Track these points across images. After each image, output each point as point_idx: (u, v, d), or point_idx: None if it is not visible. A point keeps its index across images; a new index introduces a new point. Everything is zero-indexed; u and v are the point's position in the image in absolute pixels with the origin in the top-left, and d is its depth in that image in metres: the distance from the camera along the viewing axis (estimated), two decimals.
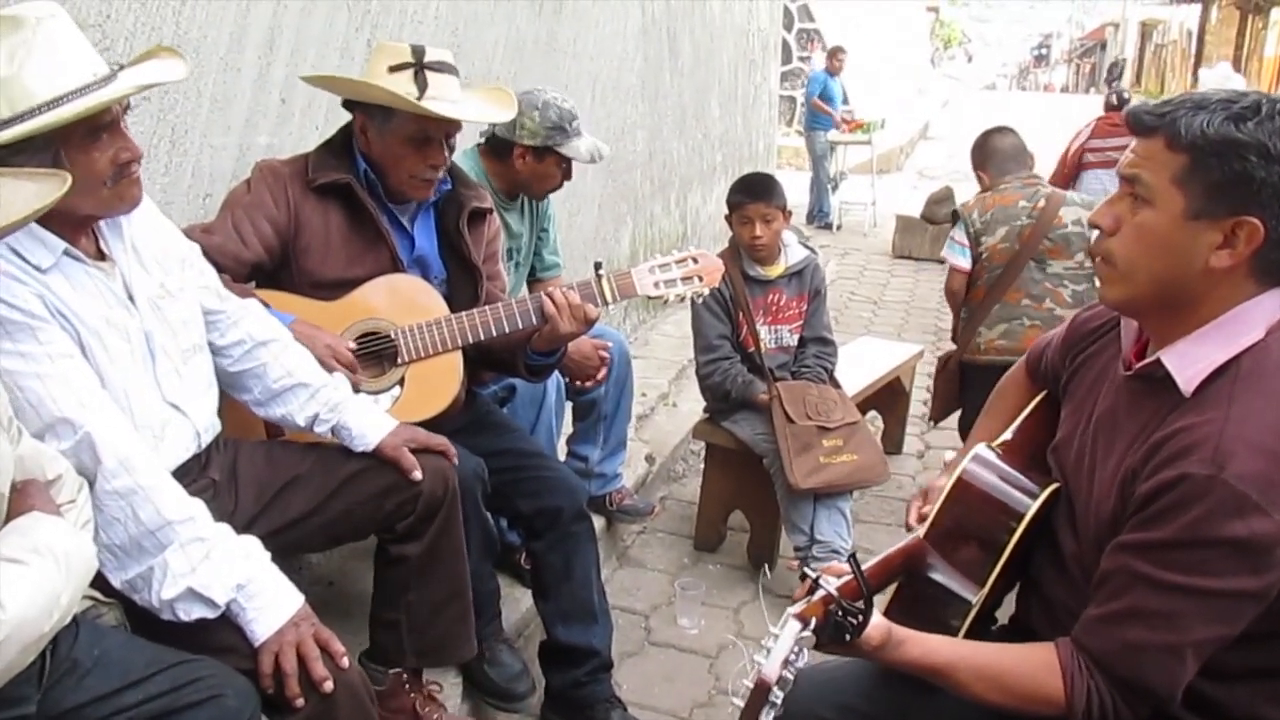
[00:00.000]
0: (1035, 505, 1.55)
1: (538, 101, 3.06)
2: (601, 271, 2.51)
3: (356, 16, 3.27)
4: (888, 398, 4.80)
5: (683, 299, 2.56)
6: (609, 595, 2.99)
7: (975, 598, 1.55)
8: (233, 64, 2.77)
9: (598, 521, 3.53)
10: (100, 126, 1.70)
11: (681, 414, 4.87)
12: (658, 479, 4.31)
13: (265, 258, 2.36)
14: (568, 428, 3.53)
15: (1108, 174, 7.31)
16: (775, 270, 3.48)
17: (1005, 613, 1.77)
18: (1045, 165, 10.11)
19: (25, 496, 1.56)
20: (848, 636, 1.40)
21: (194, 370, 1.98)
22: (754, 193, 3.38)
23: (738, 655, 3.16)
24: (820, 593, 1.43)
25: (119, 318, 1.81)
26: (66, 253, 1.74)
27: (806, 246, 3.60)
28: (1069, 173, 7.54)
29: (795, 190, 10.87)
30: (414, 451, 2.14)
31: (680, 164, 7.00)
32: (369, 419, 2.15)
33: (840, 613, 1.40)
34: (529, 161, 3.09)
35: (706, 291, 2.59)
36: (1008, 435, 1.78)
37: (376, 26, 3.38)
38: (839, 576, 1.47)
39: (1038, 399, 1.84)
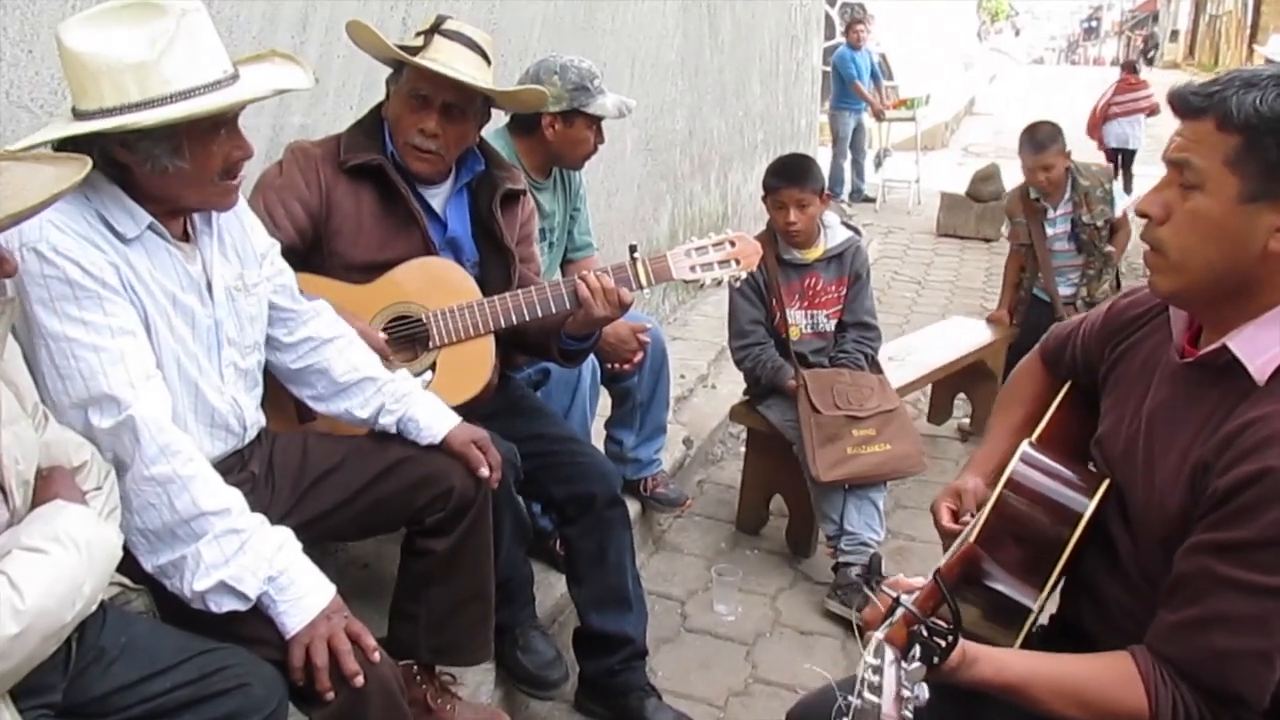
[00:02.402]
0: (1093, 504, 1.49)
1: (555, 65, 3.01)
2: (636, 254, 2.46)
3: None
4: (974, 380, 4.71)
5: (719, 283, 2.51)
6: (644, 581, 2.96)
7: (1035, 603, 1.48)
8: (265, 43, 2.73)
9: (633, 507, 3.50)
10: (222, 123, 1.73)
11: (720, 396, 4.82)
12: (695, 462, 4.27)
13: (297, 240, 2.33)
14: (605, 410, 3.49)
15: (1128, 120, 10.53)
16: (813, 253, 3.40)
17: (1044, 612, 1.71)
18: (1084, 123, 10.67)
19: (50, 483, 1.55)
20: (935, 659, 1.29)
21: (250, 366, 2.00)
22: (789, 176, 3.31)
23: (776, 642, 3.13)
24: (900, 611, 1.33)
25: (190, 301, 1.82)
26: (151, 227, 1.75)
27: (850, 228, 3.50)
28: (1097, 122, 10.73)
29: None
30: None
31: (720, 142, 6.91)
32: (436, 412, 2.14)
33: (927, 634, 1.29)
34: (559, 129, 3.04)
35: (744, 276, 2.53)
36: (1039, 430, 1.72)
37: (412, 4, 3.34)
38: (910, 592, 1.40)
39: (1064, 391, 1.78)
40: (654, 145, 5.66)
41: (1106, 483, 1.53)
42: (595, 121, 3.05)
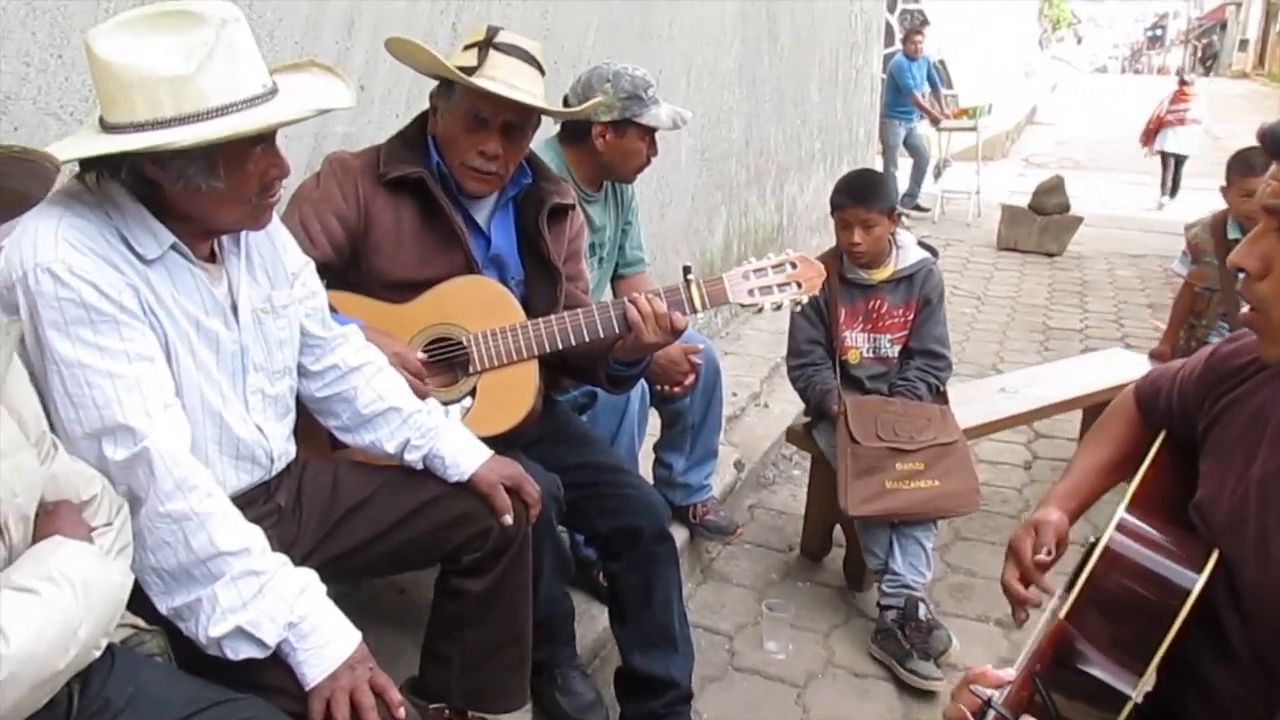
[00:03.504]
0: (1202, 579, 1.32)
1: (608, 73, 2.88)
2: (691, 276, 2.32)
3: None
4: None
5: (779, 308, 2.35)
6: (691, 613, 2.82)
7: (1134, 690, 1.32)
8: (308, 49, 2.63)
9: (680, 534, 3.36)
10: (258, 140, 1.62)
11: (773, 416, 4.66)
12: (746, 486, 4.11)
13: (333, 256, 2.22)
14: (654, 431, 3.35)
15: (1184, 128, 11.56)
16: (880, 274, 3.22)
17: None
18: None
19: (53, 519, 1.45)
20: None
21: (280, 393, 1.89)
22: (855, 195, 3.13)
23: (828, 684, 2.96)
24: (991, 715, 1.20)
25: (214, 326, 1.72)
26: (174, 247, 1.65)
27: (926, 248, 3.31)
28: (1153, 129, 11.75)
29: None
30: (506, 490, 2.00)
31: (777, 151, 6.74)
32: (464, 447, 2.01)
33: None
34: (610, 139, 2.90)
35: (805, 300, 2.37)
36: (1133, 489, 1.54)
37: (462, 9, 3.22)
38: (1000, 688, 1.24)
39: (1159, 442, 1.61)
40: (709, 155, 5.51)
41: (1216, 554, 1.36)
42: (649, 133, 2.91)
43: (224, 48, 1.54)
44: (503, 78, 2.17)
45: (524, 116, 2.23)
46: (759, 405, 4.82)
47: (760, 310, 2.35)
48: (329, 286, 2.28)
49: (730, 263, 5.88)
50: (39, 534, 1.42)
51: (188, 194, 1.60)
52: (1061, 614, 1.43)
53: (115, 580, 1.43)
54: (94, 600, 1.36)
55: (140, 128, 1.53)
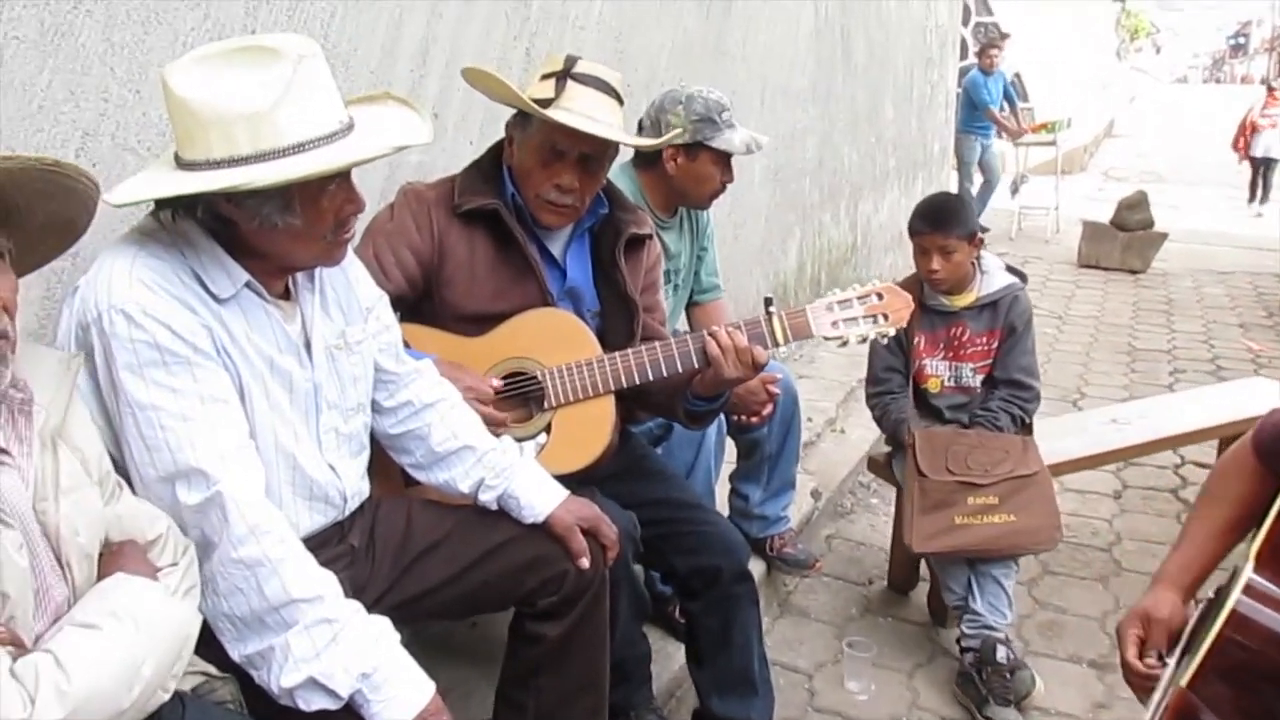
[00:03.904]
0: None
1: (680, 96, 2.81)
2: (772, 309, 2.24)
3: (515, 24, 3.09)
4: None
5: (864, 340, 2.26)
6: (768, 649, 2.72)
7: None
8: (383, 78, 2.61)
9: (757, 567, 3.27)
10: (334, 176, 1.58)
11: (850, 442, 4.55)
12: (824, 516, 4.00)
13: (407, 289, 2.19)
14: (731, 460, 3.27)
15: (1273, 132, 12.56)
16: (961, 300, 3.10)
17: None
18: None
19: (117, 557, 1.43)
20: None
21: (354, 430, 1.85)
22: (932, 221, 3.00)
23: None
24: None
25: (287, 364, 1.68)
26: (248, 285, 1.62)
27: (1015, 273, 3.17)
28: (1247, 134, 12.73)
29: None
30: (582, 532, 1.94)
31: (851, 170, 6.63)
32: (539, 487, 1.96)
33: None
34: (681, 163, 2.83)
35: (892, 332, 2.28)
36: (1257, 546, 1.43)
37: (536, 34, 3.19)
38: None
39: None
40: (783, 175, 5.42)
41: None
42: (722, 158, 2.83)
43: (301, 83, 1.51)
44: (580, 109, 2.11)
45: (601, 149, 2.18)
46: (835, 431, 4.70)
47: (845, 343, 2.27)
48: (402, 320, 2.26)
49: (804, 284, 5.79)
50: (103, 573, 1.41)
51: (263, 231, 1.57)
52: (1183, 681, 1.32)
53: (181, 618, 1.41)
54: (158, 636, 1.33)
55: (216, 165, 1.50)
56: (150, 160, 1.98)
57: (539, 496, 1.93)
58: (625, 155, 2.96)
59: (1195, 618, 1.56)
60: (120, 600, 1.32)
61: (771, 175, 5.29)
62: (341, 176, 1.60)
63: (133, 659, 1.28)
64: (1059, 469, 3.43)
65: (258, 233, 1.58)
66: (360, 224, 2.34)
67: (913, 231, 3.05)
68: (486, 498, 1.94)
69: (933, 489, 2.96)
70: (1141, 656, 1.56)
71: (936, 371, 3.16)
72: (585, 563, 1.92)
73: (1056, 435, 3.64)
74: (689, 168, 2.84)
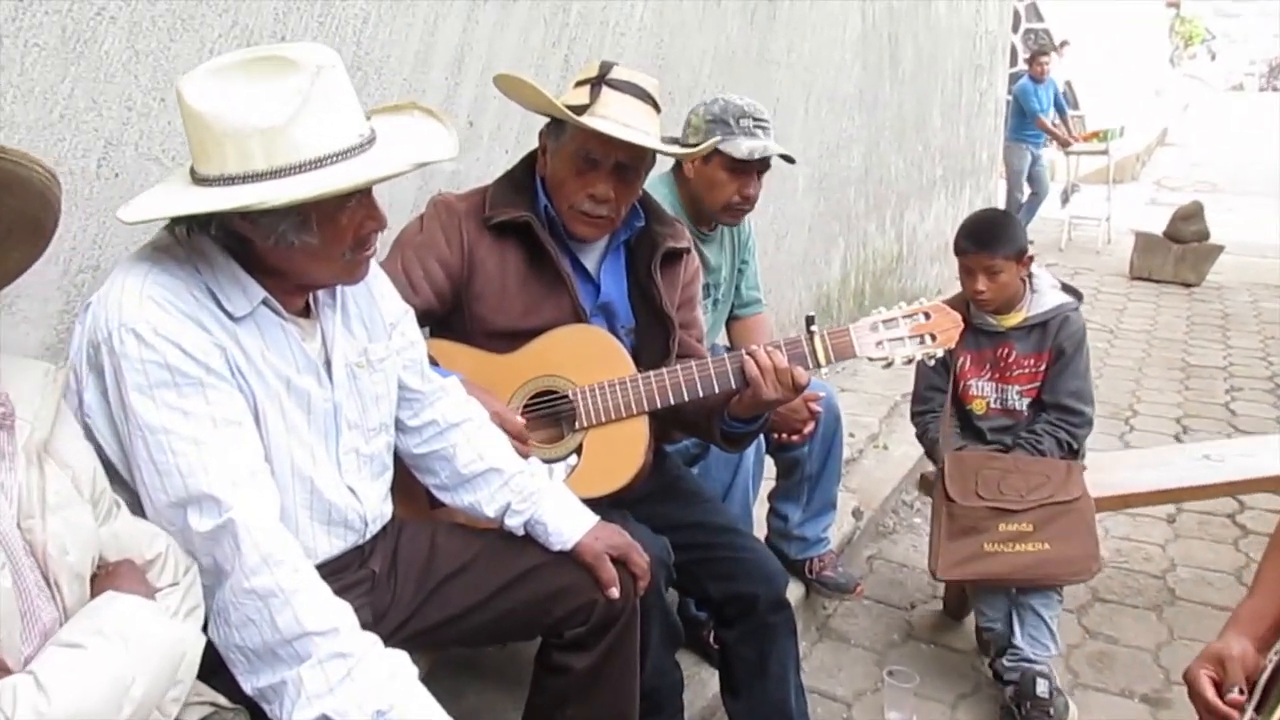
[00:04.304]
0: None
1: (709, 100, 2.73)
2: (814, 328, 2.14)
3: (554, 31, 3.02)
4: None
5: (910, 361, 2.17)
6: (806, 675, 2.63)
7: None
8: (417, 85, 2.56)
9: (795, 590, 3.17)
10: (352, 193, 1.51)
11: (894, 459, 4.43)
12: (865, 536, 3.89)
13: (435, 304, 2.12)
14: (770, 477, 3.17)
15: None
16: (1009, 320, 2.97)
17: None
18: None
19: (112, 577, 1.38)
20: None
21: (376, 451, 1.78)
22: (978, 240, 2.88)
23: None
24: None
25: (305, 384, 1.62)
26: (265, 302, 1.56)
27: (1071, 291, 3.03)
28: None
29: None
30: (612, 560, 1.86)
31: (898, 179, 6.50)
32: (567, 513, 1.88)
33: None
34: (697, 166, 2.74)
35: (939, 354, 2.18)
36: None
37: (575, 40, 3.12)
38: None
39: None
40: (827, 184, 5.32)
41: None
42: (735, 166, 2.68)
43: (319, 96, 1.45)
44: (615, 116, 2.04)
45: (637, 158, 2.10)
46: (878, 447, 4.59)
47: (890, 364, 2.17)
48: (431, 335, 2.20)
49: (847, 295, 5.68)
50: (96, 593, 1.35)
51: (279, 249, 1.51)
52: None
53: (175, 638, 1.35)
54: (149, 655, 1.27)
55: (230, 181, 1.44)
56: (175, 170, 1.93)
57: (567, 523, 1.86)
58: (665, 165, 2.88)
59: (1269, 670, 1.45)
60: (109, 619, 1.26)
61: (816, 184, 5.18)
62: (362, 193, 1.53)
63: (120, 679, 1.22)
64: (1133, 500, 3.30)
65: (274, 250, 1.52)
66: (389, 235, 2.30)
67: (958, 250, 2.94)
68: (513, 523, 1.87)
69: (961, 514, 2.86)
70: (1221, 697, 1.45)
71: (982, 393, 3.05)
72: (615, 593, 1.84)
73: (1137, 467, 3.51)
74: (702, 172, 2.74)
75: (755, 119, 2.68)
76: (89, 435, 1.51)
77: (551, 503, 1.87)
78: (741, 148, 2.65)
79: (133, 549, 1.42)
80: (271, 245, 1.51)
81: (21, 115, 1.72)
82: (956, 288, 3.09)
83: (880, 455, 4.50)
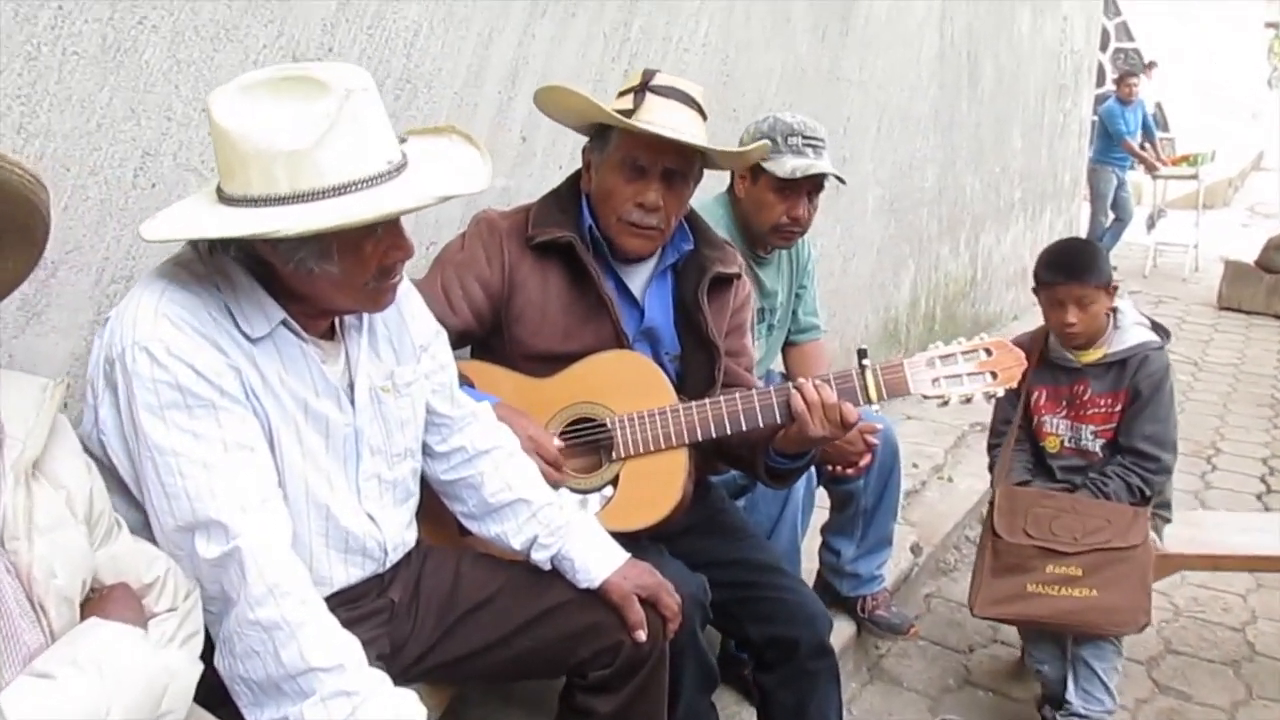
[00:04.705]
0: None
1: (761, 116, 2.65)
2: (866, 362, 2.04)
3: (614, 46, 2.96)
4: None
5: (968, 400, 2.05)
6: (854, 718, 2.51)
7: None
8: (469, 99, 2.51)
9: (846, 629, 3.06)
10: (379, 221, 1.44)
11: (958, 493, 4.27)
12: (924, 572, 3.74)
13: (473, 324, 2.06)
14: (823, 505, 3.06)
15: None
16: (1088, 356, 2.81)
17: None
18: None
19: (103, 602, 1.33)
20: None
21: (399, 477, 1.72)
22: (1067, 270, 2.73)
23: None
24: None
25: (324, 408, 1.57)
26: (284, 324, 1.52)
27: (1159, 329, 2.86)
28: None
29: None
30: (640, 601, 1.78)
31: (974, 200, 6.33)
32: (596, 549, 1.81)
33: None
34: (745, 184, 2.65)
35: (1000, 393, 2.06)
36: None
37: (636, 56, 3.05)
38: None
39: None
40: (899, 205, 5.18)
41: None
42: (784, 187, 2.58)
43: (347, 120, 1.39)
44: (660, 121, 1.97)
45: (685, 163, 2.03)
46: (942, 479, 4.43)
47: (945, 403, 2.05)
48: (471, 355, 2.15)
49: (917, 319, 5.53)
50: (86, 617, 1.30)
51: (300, 275, 1.47)
52: None
53: (160, 667, 1.28)
54: (127, 685, 1.21)
55: (253, 202, 1.40)
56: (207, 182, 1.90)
57: (595, 560, 1.78)
58: (718, 186, 2.80)
59: None
60: (85, 647, 1.21)
61: (886, 205, 5.05)
62: (388, 221, 1.47)
63: (91, 710, 1.17)
64: (1224, 563, 3.14)
65: (295, 275, 1.48)
66: (435, 250, 2.25)
67: (1043, 282, 2.77)
68: (539, 557, 1.79)
69: (1006, 551, 2.74)
70: None
71: (1056, 430, 2.90)
72: (641, 635, 1.76)
73: (1243, 530, 3.31)
74: (751, 191, 2.65)
75: (805, 137, 2.58)
76: (102, 452, 1.47)
77: (580, 538, 1.79)
78: (785, 166, 2.55)
79: (130, 572, 1.38)
80: (292, 270, 1.46)
81: (58, 124, 1.70)
82: (1033, 314, 2.95)
83: (944, 488, 4.34)
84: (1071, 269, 2.70)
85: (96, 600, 1.31)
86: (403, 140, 1.52)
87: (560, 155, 2.81)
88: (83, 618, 1.28)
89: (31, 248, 1.35)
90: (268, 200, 1.39)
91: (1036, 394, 2.89)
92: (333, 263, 1.45)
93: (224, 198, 1.45)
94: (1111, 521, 2.69)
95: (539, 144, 2.75)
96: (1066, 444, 2.88)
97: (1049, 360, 2.84)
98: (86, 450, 1.43)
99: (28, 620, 1.22)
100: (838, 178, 2.70)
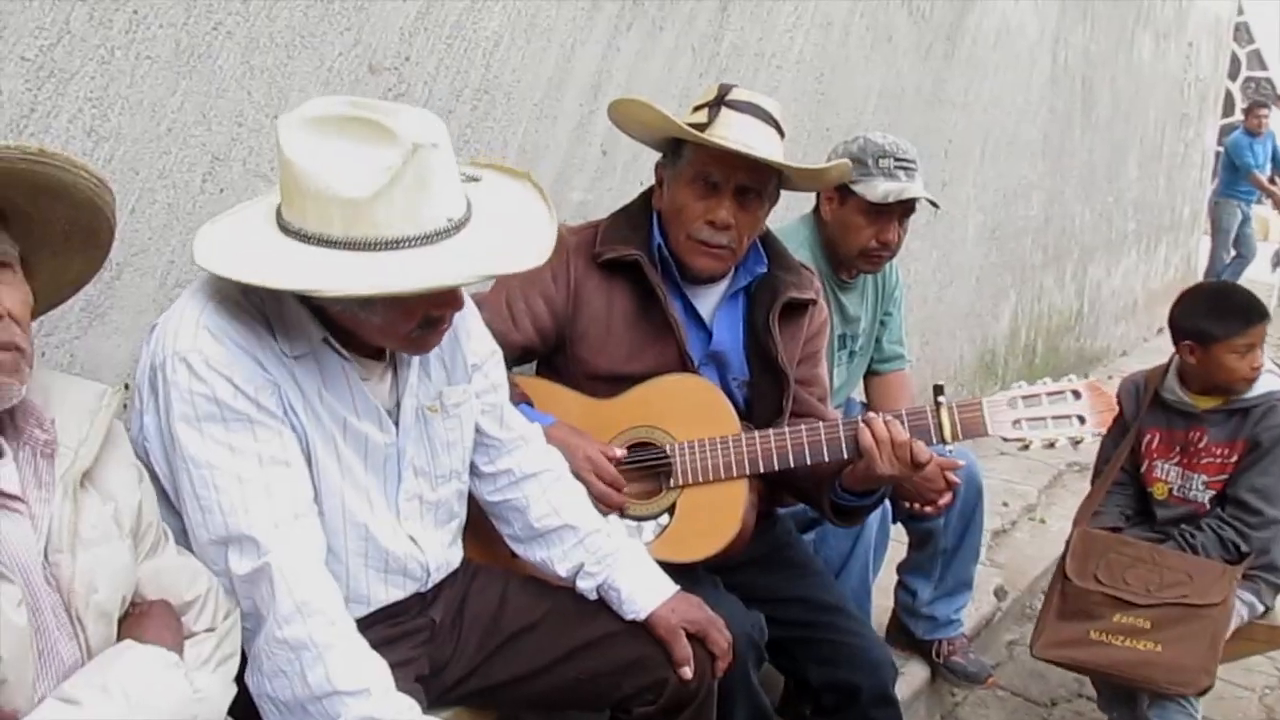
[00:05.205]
0: None
1: (851, 137, 2.56)
2: (943, 399, 1.94)
3: (702, 61, 2.90)
4: None
5: (1051, 445, 1.93)
6: None
7: None
8: (548, 112, 2.48)
9: (919, 673, 2.93)
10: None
11: (1050, 535, 4.07)
12: (1008, 617, 3.57)
13: (536, 341, 2.02)
14: (900, 539, 2.93)
15: None
16: (1207, 402, 2.65)
17: None
18: None
19: (141, 619, 1.30)
20: None
21: (443, 498, 1.68)
22: (1248, 312, 2.57)
23: None
24: None
25: (363, 428, 1.53)
26: (326, 341, 1.49)
27: None
28: None
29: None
30: (687, 636, 1.71)
31: (1083, 231, 6.09)
32: (643, 581, 1.74)
33: None
34: (833, 206, 2.55)
35: (1088, 438, 1.93)
36: None
37: (725, 72, 2.99)
38: None
39: None
40: (1001, 233, 5.00)
41: None
42: (871, 209, 2.47)
43: (410, 176, 1.35)
44: (735, 137, 1.91)
45: (759, 180, 1.96)
46: (1034, 520, 4.25)
47: (1027, 446, 1.94)
48: (540, 370, 2.11)
49: (1016, 351, 5.34)
50: (124, 634, 1.28)
51: (345, 315, 1.45)
52: None
53: (191, 696, 1.26)
54: (155, 711, 1.19)
55: (306, 239, 1.38)
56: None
57: (642, 591, 1.71)
58: (803, 207, 2.72)
59: None
60: (117, 673, 1.19)
61: (988, 233, 4.88)
62: None
63: None
64: None
65: (340, 314, 1.46)
66: None
67: (1229, 332, 2.56)
68: (585, 585, 1.74)
69: (1074, 594, 2.62)
70: None
71: (1165, 476, 2.72)
72: (687, 672, 1.68)
73: None
74: (839, 213, 2.55)
75: (897, 159, 2.47)
76: (147, 460, 1.46)
77: (627, 568, 1.73)
78: (877, 189, 2.44)
79: (172, 588, 1.35)
80: (337, 310, 1.45)
81: (128, 127, 1.71)
82: (1143, 350, 2.79)
83: (1035, 529, 4.16)
84: (1252, 310, 2.57)
85: (135, 617, 1.29)
86: (473, 177, 1.48)
87: (641, 171, 2.75)
88: (120, 633, 1.27)
89: (97, 250, 1.35)
90: (320, 240, 1.37)
91: (1149, 437, 2.73)
92: (375, 313, 1.43)
93: (281, 222, 1.43)
94: (1193, 577, 2.51)
95: (619, 158, 2.71)
96: (1175, 492, 2.70)
97: (1163, 402, 2.68)
98: (138, 456, 1.42)
99: (65, 635, 1.20)
100: (931, 202, 2.59)
